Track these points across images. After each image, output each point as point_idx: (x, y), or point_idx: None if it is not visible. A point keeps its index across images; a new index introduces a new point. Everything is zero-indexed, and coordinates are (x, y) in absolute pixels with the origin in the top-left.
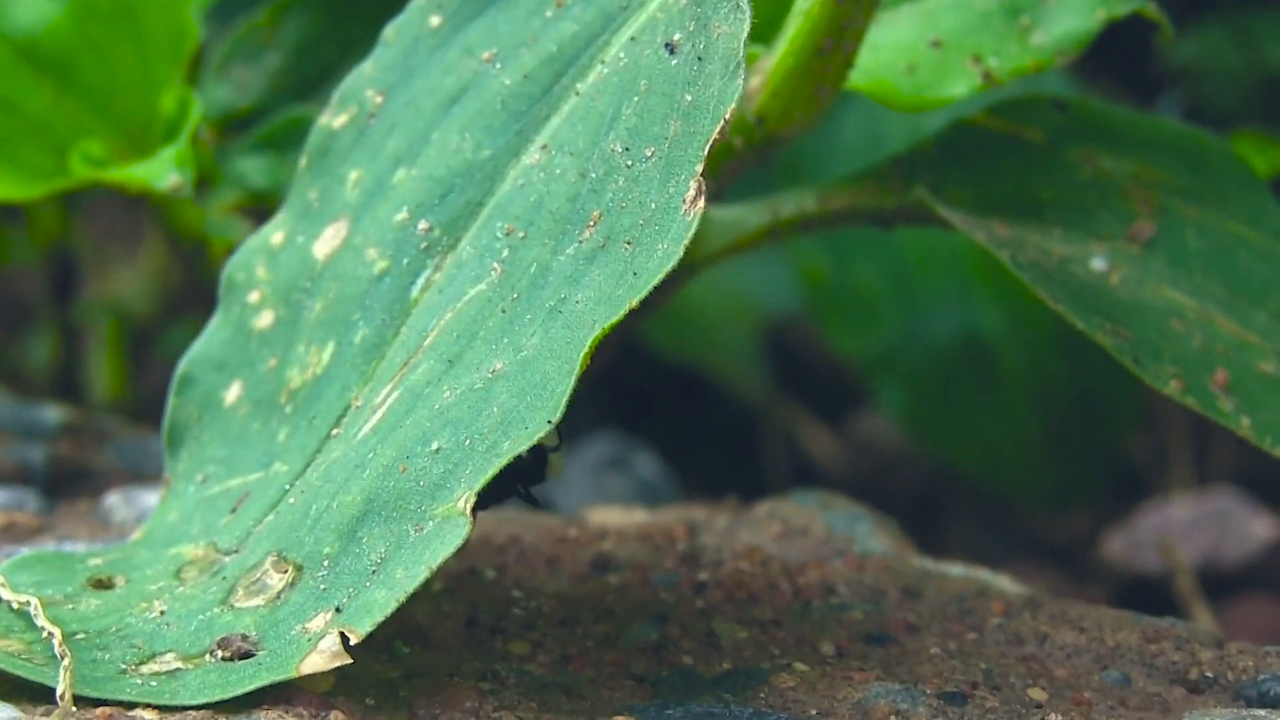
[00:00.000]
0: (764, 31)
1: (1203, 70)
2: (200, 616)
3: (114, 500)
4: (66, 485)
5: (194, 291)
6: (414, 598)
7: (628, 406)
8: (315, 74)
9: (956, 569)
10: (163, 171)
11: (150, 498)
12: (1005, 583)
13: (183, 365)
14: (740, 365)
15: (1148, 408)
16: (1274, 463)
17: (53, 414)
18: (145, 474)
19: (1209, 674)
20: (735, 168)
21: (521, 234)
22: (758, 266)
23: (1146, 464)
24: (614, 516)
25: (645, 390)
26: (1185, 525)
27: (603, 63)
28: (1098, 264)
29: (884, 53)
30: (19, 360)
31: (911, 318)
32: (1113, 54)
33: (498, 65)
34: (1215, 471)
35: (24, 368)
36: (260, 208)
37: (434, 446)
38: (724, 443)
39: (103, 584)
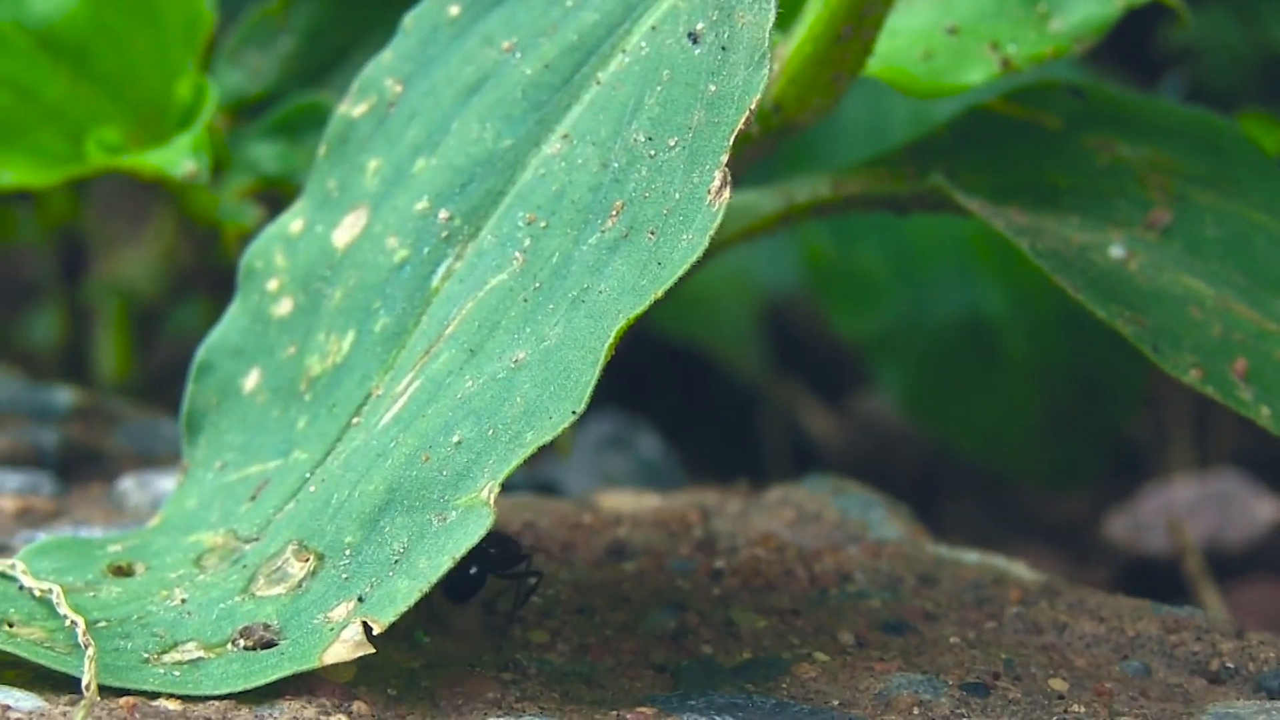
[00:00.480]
0: (782, 18)
1: (1205, 50)
2: (221, 605)
3: (128, 484)
4: (79, 468)
5: (200, 271)
6: (437, 582)
7: (627, 385)
8: (327, 59)
9: (971, 555)
10: (178, 158)
11: (163, 482)
12: (1021, 569)
13: (201, 352)
14: (740, 344)
15: (1149, 389)
16: (1275, 445)
17: (64, 396)
18: (156, 457)
19: (1230, 665)
20: (752, 154)
21: (543, 223)
22: (759, 245)
23: (1147, 445)
24: (626, 501)
25: (645, 369)
26: (1188, 507)
27: (624, 52)
28: (1115, 251)
29: (901, 39)
30: (25, 339)
31: (913, 298)
32: (1114, 35)
33: (518, 54)
34: (1216, 453)
35: (30, 347)
36: (273, 193)
37: (456, 436)
38: (723, 422)
39: (122, 571)
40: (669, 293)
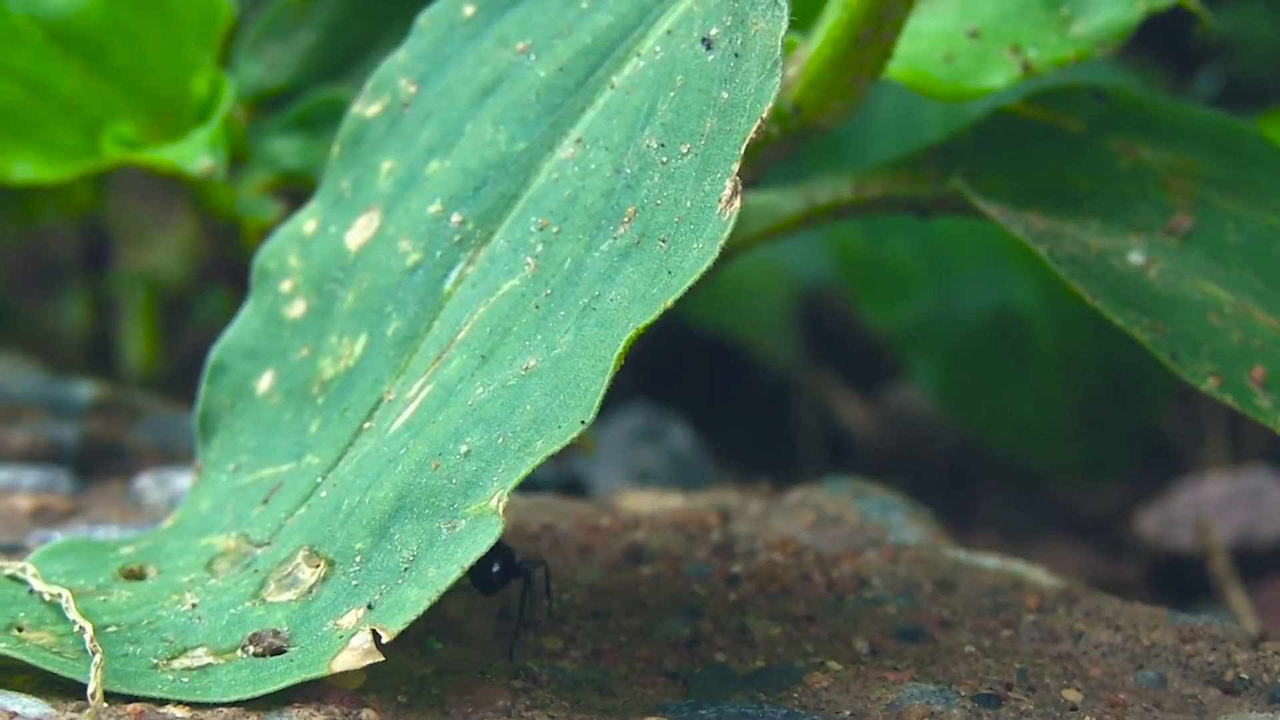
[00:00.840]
0: (801, 20)
1: (1241, 45)
2: (232, 610)
3: (146, 482)
4: (98, 464)
5: (223, 264)
6: (446, 591)
7: (660, 377)
8: (348, 52)
9: (990, 560)
10: (194, 154)
11: (181, 480)
12: (1039, 575)
13: (215, 353)
14: (773, 335)
15: (1181, 384)
16: None
17: (84, 390)
18: (177, 453)
19: (1244, 675)
20: (772, 155)
21: (555, 229)
22: (791, 237)
23: (1179, 438)
24: (647, 502)
25: (677, 360)
26: (1220, 504)
27: (638, 56)
28: (1135, 257)
29: (922, 42)
30: (51, 324)
31: (945, 291)
32: (1149, 27)
33: (532, 56)
34: (1249, 449)
35: (56, 332)
36: (293, 188)
37: (466, 444)
38: (756, 413)
39: (134, 574)
40: (691, 290)
